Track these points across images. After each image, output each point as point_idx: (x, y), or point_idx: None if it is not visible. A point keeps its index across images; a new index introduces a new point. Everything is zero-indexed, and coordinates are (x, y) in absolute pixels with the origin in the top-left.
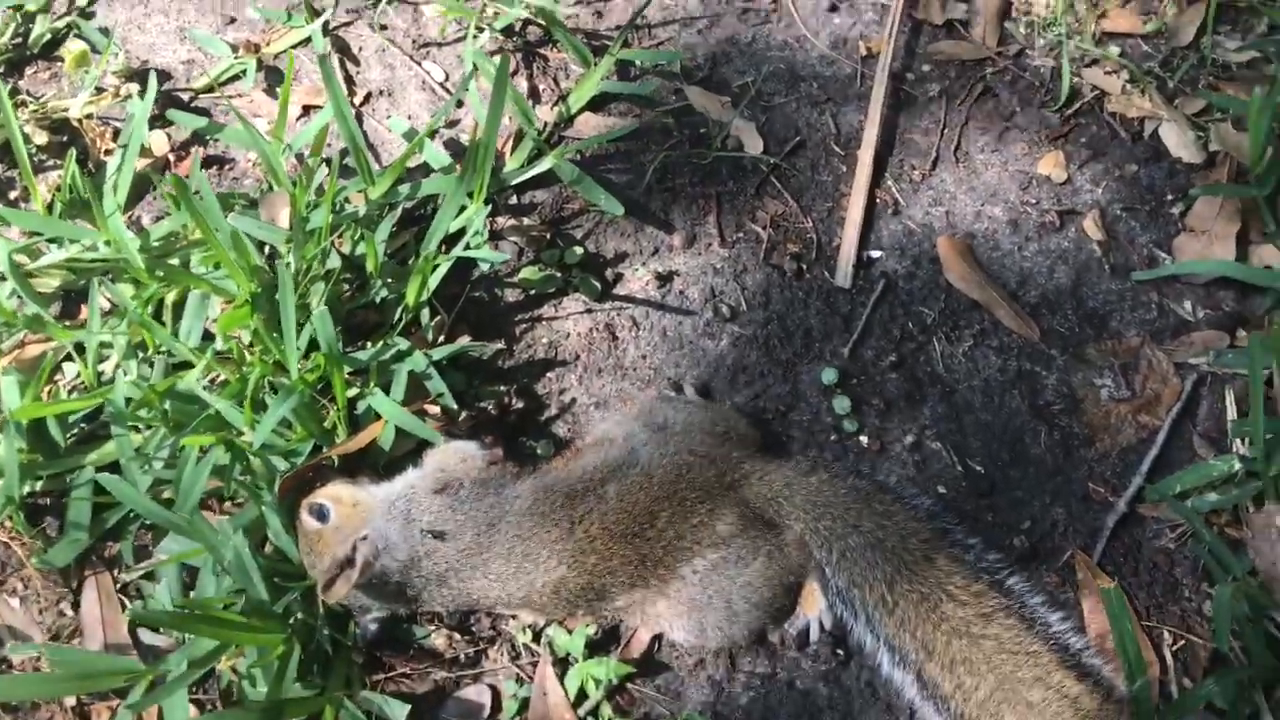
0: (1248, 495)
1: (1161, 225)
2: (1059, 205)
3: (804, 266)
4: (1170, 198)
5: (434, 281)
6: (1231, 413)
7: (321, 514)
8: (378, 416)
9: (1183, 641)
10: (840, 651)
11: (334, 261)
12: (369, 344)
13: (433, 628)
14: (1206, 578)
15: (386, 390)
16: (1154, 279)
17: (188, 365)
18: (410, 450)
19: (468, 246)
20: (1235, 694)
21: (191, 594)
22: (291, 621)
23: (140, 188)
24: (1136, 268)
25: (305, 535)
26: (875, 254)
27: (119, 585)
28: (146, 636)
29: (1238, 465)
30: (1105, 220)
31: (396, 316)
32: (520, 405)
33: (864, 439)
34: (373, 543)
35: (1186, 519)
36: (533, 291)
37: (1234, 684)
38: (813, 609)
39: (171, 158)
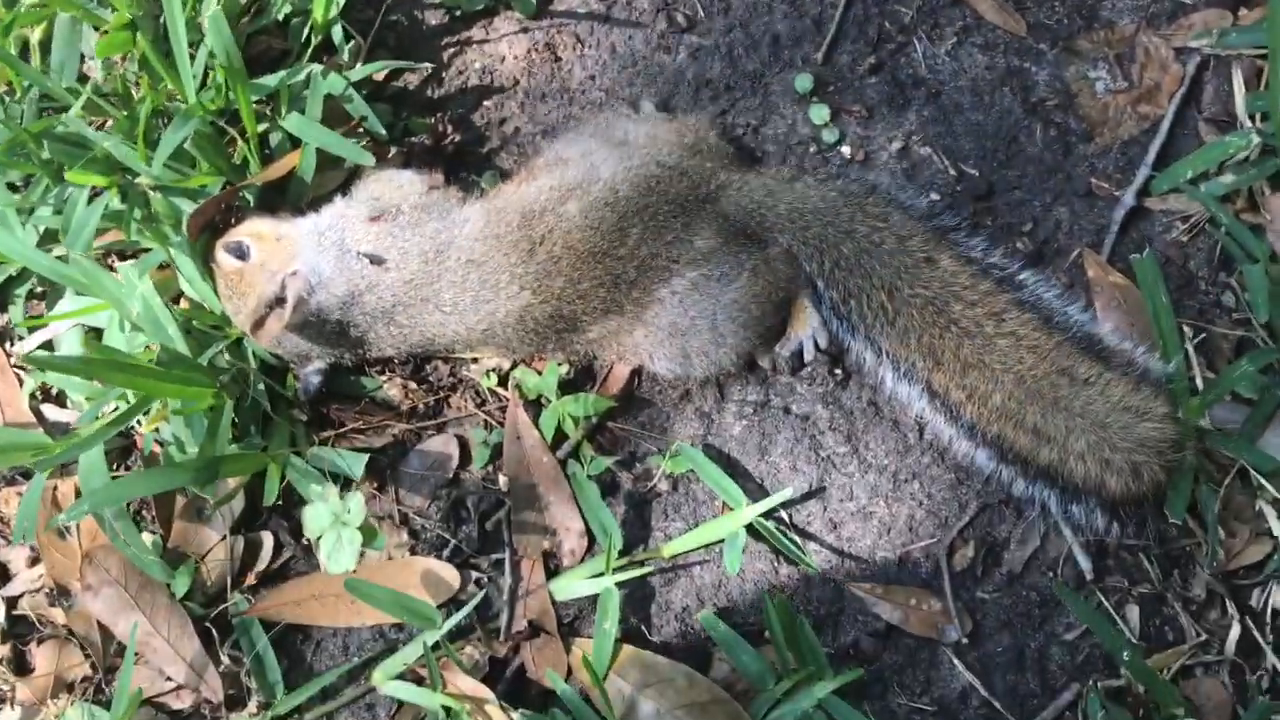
0: (1265, 174)
1: None
2: None
3: None
4: None
5: None
6: (1240, 94)
7: (241, 251)
8: (295, 146)
9: (1203, 335)
10: (838, 371)
11: None
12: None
13: (384, 379)
14: (1224, 267)
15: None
16: None
17: (63, 110)
18: (336, 188)
19: None
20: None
21: None
22: (220, 378)
23: None
24: None
25: (225, 276)
26: None
27: (12, 360)
28: (52, 413)
29: (1255, 139)
30: None
31: (305, 38)
32: (457, 137)
33: (846, 149)
34: (304, 278)
35: (1202, 203)
36: (458, 12)
37: (1265, 365)
38: (804, 328)
39: None
